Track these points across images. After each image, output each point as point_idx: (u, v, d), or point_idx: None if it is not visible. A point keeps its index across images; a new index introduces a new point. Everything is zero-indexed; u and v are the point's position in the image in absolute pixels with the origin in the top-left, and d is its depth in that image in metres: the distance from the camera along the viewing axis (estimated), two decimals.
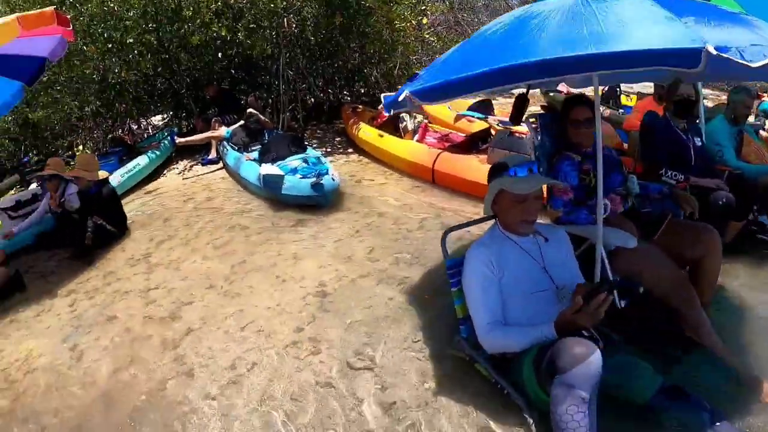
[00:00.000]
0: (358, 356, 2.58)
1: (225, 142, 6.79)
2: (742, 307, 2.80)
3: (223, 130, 6.89)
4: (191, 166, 7.36)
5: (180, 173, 7.18)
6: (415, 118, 6.45)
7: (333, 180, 4.79)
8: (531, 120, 2.98)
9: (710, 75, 2.98)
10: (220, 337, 2.96)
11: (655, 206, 2.88)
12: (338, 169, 5.86)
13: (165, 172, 7.40)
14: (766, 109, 8.12)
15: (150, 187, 6.84)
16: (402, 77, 8.52)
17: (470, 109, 6.83)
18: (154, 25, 7.38)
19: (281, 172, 4.93)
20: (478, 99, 7.13)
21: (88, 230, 4.66)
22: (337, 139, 7.40)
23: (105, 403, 2.60)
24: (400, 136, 6.25)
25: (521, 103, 2.66)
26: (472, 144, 5.45)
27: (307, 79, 8.51)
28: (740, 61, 1.49)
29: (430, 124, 6.39)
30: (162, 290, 3.70)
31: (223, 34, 6.84)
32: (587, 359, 1.63)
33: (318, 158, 5.41)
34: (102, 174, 5.19)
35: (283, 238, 4.24)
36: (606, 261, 2.43)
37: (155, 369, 2.78)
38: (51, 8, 4.52)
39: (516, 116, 2.74)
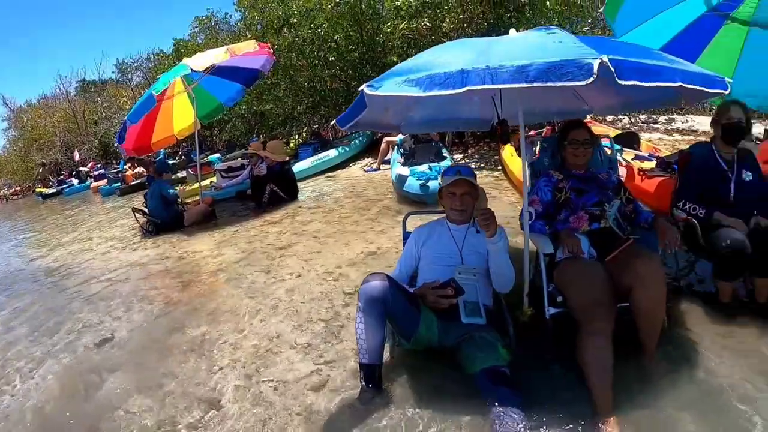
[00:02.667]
0: (354, 287, 4.12)
1: (397, 147, 8.99)
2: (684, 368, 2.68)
3: (396, 138, 9.08)
4: (373, 163, 9.83)
5: (363, 167, 9.73)
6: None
7: (440, 185, 6.39)
8: (531, 141, 3.82)
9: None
10: (294, 261, 4.98)
11: (644, 234, 3.09)
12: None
13: (352, 164, 10.07)
14: None
15: (333, 173, 9.62)
16: None
17: (614, 139, 7.58)
18: (355, 46, 10.26)
19: (407, 174, 6.83)
20: (624, 131, 8.07)
21: (266, 193, 7.59)
22: (496, 157, 8.87)
23: (217, 271, 5.00)
24: None
25: (502, 126, 3.33)
26: None
27: None
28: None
29: None
30: (288, 234, 6.01)
31: (395, 60, 9.16)
32: (366, 283, 2.50)
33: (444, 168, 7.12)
34: (284, 157, 8.10)
35: (383, 220, 6.07)
36: (543, 267, 2.88)
37: (256, 264, 5.04)
38: (253, 40, 7.66)
39: (503, 138, 3.49)
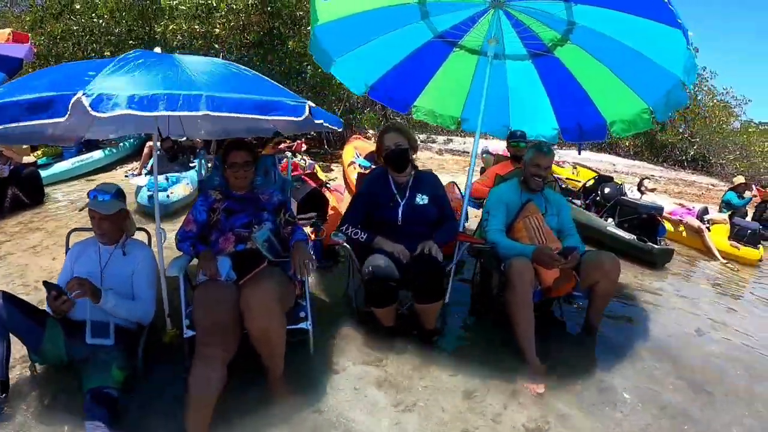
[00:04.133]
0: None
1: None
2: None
3: (158, 143, 8.95)
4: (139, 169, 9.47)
5: (126, 172, 9.41)
6: (295, 156, 7.96)
7: (168, 197, 6.54)
8: (202, 160, 4.03)
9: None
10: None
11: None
12: None
13: (119, 167, 9.78)
14: (729, 199, 8.88)
15: (95, 177, 9.22)
16: None
17: (366, 156, 8.14)
18: (135, 42, 10.06)
19: (142, 184, 6.86)
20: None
21: (7, 198, 7.10)
22: None
23: None
24: None
25: (165, 142, 3.58)
26: None
27: None
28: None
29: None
30: (11, 243, 5.74)
31: None
32: None
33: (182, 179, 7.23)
34: (27, 159, 7.73)
35: None
36: (182, 289, 2.97)
37: None
38: (8, 29, 7.04)
39: (171, 158, 4.00)
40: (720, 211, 8.94)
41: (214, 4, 8.64)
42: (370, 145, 9.31)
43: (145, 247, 3.08)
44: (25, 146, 8.15)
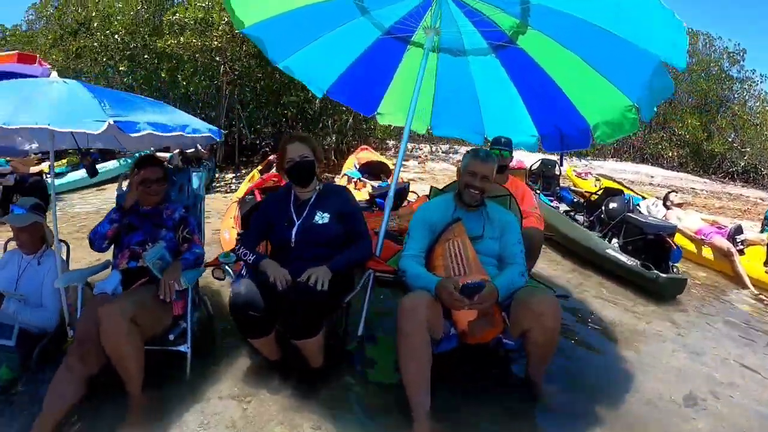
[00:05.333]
0: None
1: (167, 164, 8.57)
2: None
3: (167, 155, 8.69)
4: None
5: None
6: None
7: None
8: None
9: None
10: None
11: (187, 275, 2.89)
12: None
13: None
14: None
15: (106, 186, 9.13)
16: None
17: (362, 167, 7.72)
18: (148, 57, 9.95)
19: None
20: (375, 159, 8.23)
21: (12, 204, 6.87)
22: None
23: None
24: None
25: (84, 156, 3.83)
26: None
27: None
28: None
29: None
30: None
31: (163, 75, 8.84)
32: None
33: None
34: (34, 169, 7.78)
35: (83, 242, 5.73)
36: (80, 299, 2.86)
37: None
38: (15, 52, 7.19)
39: (91, 174, 3.93)
40: (762, 230, 7.49)
41: (215, 19, 8.26)
42: (374, 155, 8.85)
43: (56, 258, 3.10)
44: (32, 157, 8.07)
